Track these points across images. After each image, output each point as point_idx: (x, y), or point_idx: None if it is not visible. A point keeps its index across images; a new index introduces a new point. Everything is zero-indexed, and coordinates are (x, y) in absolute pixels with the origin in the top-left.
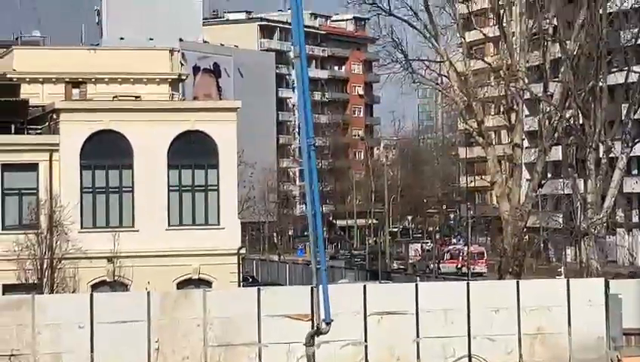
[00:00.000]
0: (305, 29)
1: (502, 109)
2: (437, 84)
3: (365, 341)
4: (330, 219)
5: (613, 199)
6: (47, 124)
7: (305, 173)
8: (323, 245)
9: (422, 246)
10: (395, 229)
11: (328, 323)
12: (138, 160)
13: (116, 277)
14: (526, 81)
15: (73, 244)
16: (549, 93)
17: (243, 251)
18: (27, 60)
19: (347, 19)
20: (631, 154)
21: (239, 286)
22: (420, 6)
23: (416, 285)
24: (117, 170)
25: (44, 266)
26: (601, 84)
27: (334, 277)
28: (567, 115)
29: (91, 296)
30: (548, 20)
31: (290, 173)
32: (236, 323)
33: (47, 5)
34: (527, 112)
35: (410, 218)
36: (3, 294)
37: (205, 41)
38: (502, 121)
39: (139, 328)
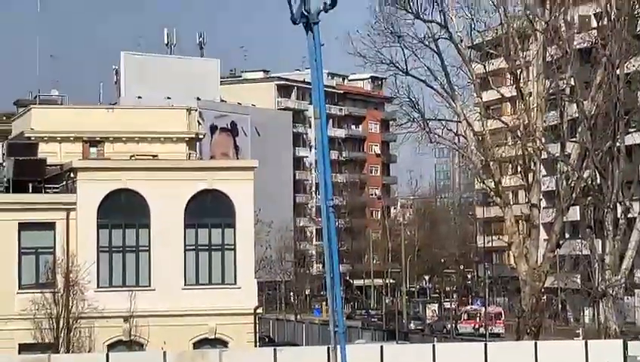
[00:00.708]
0: (324, 89)
1: (519, 169)
2: (454, 143)
3: None
4: (347, 278)
5: (631, 260)
6: (64, 182)
7: (324, 236)
8: (341, 306)
9: (439, 307)
10: (412, 289)
11: None
12: (155, 219)
13: (132, 337)
14: (543, 140)
15: (89, 303)
16: (566, 153)
17: (260, 311)
18: (45, 119)
19: (364, 79)
20: None
21: (256, 346)
22: (437, 66)
23: (434, 346)
24: (134, 229)
25: (61, 325)
26: (618, 144)
27: (351, 337)
28: (585, 175)
29: (107, 355)
30: (565, 81)
31: (307, 232)
32: None
33: (66, 64)
34: (544, 172)
35: (427, 278)
36: (19, 354)
37: (223, 100)
38: (519, 180)
39: None
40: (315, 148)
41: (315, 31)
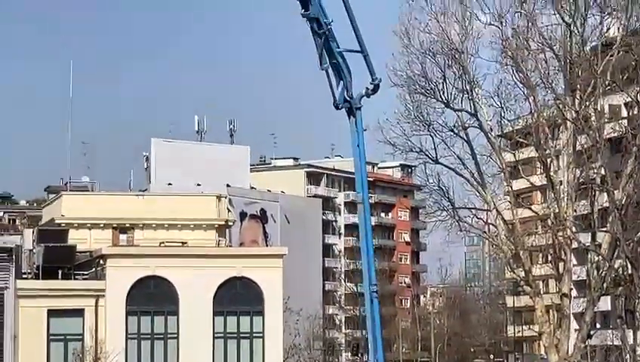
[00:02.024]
0: (348, 175)
1: (549, 258)
2: (484, 232)
3: None
4: None
5: None
6: (93, 269)
7: (367, 322)
8: None
9: None
10: None
11: None
12: (183, 306)
13: None
14: (574, 230)
15: None
16: (597, 242)
17: None
18: (75, 206)
19: (394, 167)
20: None
21: None
22: (467, 154)
23: None
24: (162, 316)
25: None
26: None
27: None
28: (616, 265)
29: None
30: (595, 170)
31: (336, 320)
32: None
33: (97, 150)
34: (575, 261)
35: None
36: None
37: (252, 187)
38: (550, 270)
39: None
40: (345, 236)
41: (358, 116)
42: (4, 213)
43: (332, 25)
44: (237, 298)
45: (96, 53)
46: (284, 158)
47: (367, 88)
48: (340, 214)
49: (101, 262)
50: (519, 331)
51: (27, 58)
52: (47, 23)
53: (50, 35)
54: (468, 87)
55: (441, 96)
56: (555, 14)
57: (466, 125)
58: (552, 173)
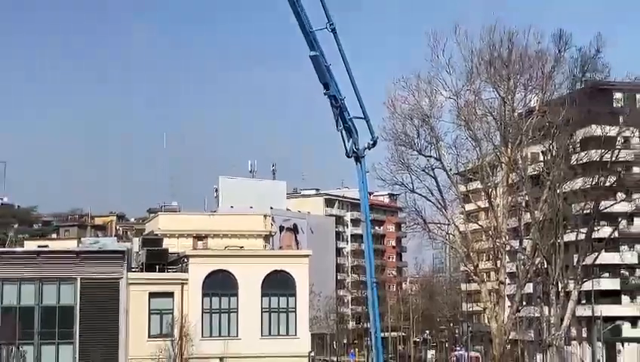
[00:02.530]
0: (353, 200)
1: (491, 257)
2: (446, 239)
3: None
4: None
5: (569, 321)
6: (180, 265)
7: (369, 303)
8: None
9: (436, 352)
10: (417, 340)
11: None
12: (241, 290)
13: None
14: (507, 238)
15: (196, 348)
16: (523, 246)
17: (312, 354)
18: (167, 222)
19: (384, 195)
20: (580, 289)
21: None
22: (434, 186)
23: None
24: (227, 297)
25: None
26: (559, 241)
27: None
28: (536, 262)
29: None
30: (522, 197)
31: (344, 300)
32: None
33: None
34: (508, 259)
35: (427, 332)
36: None
37: (288, 209)
38: (491, 265)
39: None
40: (351, 242)
41: (362, 162)
42: (120, 226)
43: (345, 100)
44: (277, 284)
45: (181, 116)
46: (309, 189)
47: (368, 143)
48: (347, 227)
49: (185, 260)
50: (470, 307)
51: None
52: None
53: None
54: (434, 141)
55: (415, 147)
56: (493, 91)
57: (433, 167)
58: (492, 199)
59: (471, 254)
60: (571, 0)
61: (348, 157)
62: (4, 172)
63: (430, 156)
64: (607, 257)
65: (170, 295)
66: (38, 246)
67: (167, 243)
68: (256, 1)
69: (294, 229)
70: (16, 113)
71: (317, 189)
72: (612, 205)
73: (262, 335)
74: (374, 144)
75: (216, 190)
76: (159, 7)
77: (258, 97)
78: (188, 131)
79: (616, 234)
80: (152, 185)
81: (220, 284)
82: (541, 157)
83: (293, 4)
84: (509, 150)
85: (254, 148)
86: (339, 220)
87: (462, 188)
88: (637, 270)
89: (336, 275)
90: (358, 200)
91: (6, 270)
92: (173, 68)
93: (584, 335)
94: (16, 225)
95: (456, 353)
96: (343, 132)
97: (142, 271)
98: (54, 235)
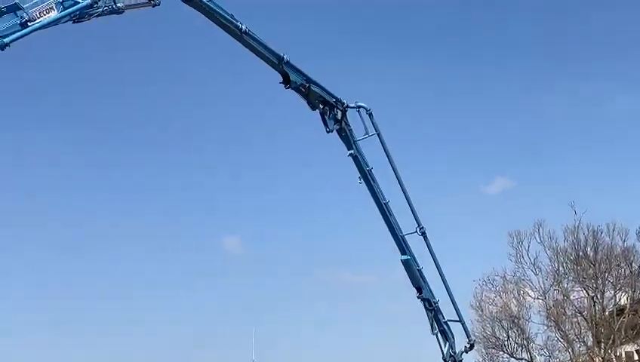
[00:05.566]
0: None
1: None
2: None
3: None
4: None
5: None
6: None
7: None
8: None
9: None
10: None
11: None
12: None
13: None
14: None
15: None
16: None
17: None
18: None
19: None
20: None
21: None
22: None
23: None
24: None
25: None
26: None
27: None
28: None
29: None
30: None
31: None
32: None
33: None
34: None
35: None
36: None
37: None
38: None
39: None
40: None
41: None
42: None
43: (439, 302)
44: None
45: None
46: None
47: (465, 346)
48: None
49: None
50: None
51: None
52: None
53: None
54: (525, 342)
55: (506, 349)
56: (582, 290)
57: None
58: None
59: None
60: None
61: (445, 361)
62: None
63: (522, 359)
64: None
65: None
66: None
67: None
68: None
69: None
70: None
71: None
72: None
73: None
74: (472, 347)
75: None
76: None
77: None
78: None
79: None
80: None
81: None
82: (635, 357)
83: (382, 210)
84: (602, 350)
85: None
86: None
87: None
88: None
89: None
90: None
91: None
92: None
93: None
94: None
95: None
96: (439, 335)
97: None
98: None
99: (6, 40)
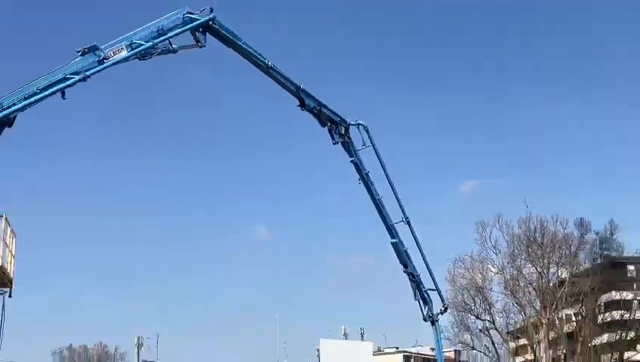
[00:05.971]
0: (425, 356)
1: None
2: None
3: None
4: None
5: None
6: None
7: None
8: None
9: None
10: None
11: None
12: None
13: None
14: None
15: None
16: None
17: None
18: None
19: (450, 351)
20: None
21: None
22: (490, 344)
23: None
24: None
25: None
26: None
27: None
28: None
29: None
30: (560, 350)
31: None
32: None
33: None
34: None
35: None
36: None
37: None
38: None
39: None
40: None
41: (437, 324)
42: None
43: (420, 276)
44: None
45: None
46: (391, 347)
47: (440, 309)
48: None
49: None
50: None
51: None
52: None
53: None
54: (488, 307)
55: (473, 313)
56: (532, 267)
57: (488, 328)
58: (536, 353)
59: None
60: (590, 192)
61: (424, 321)
62: None
63: (485, 319)
64: None
65: None
66: None
67: None
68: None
69: None
70: None
71: (397, 347)
72: (634, 355)
73: None
74: (445, 310)
75: (318, 350)
76: None
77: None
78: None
79: None
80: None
81: None
82: (574, 318)
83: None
84: (547, 313)
85: (344, 316)
86: None
87: (512, 344)
88: None
89: None
90: (431, 356)
91: None
92: None
93: None
94: None
95: None
96: (420, 301)
97: None
98: None
99: (87, 73)
